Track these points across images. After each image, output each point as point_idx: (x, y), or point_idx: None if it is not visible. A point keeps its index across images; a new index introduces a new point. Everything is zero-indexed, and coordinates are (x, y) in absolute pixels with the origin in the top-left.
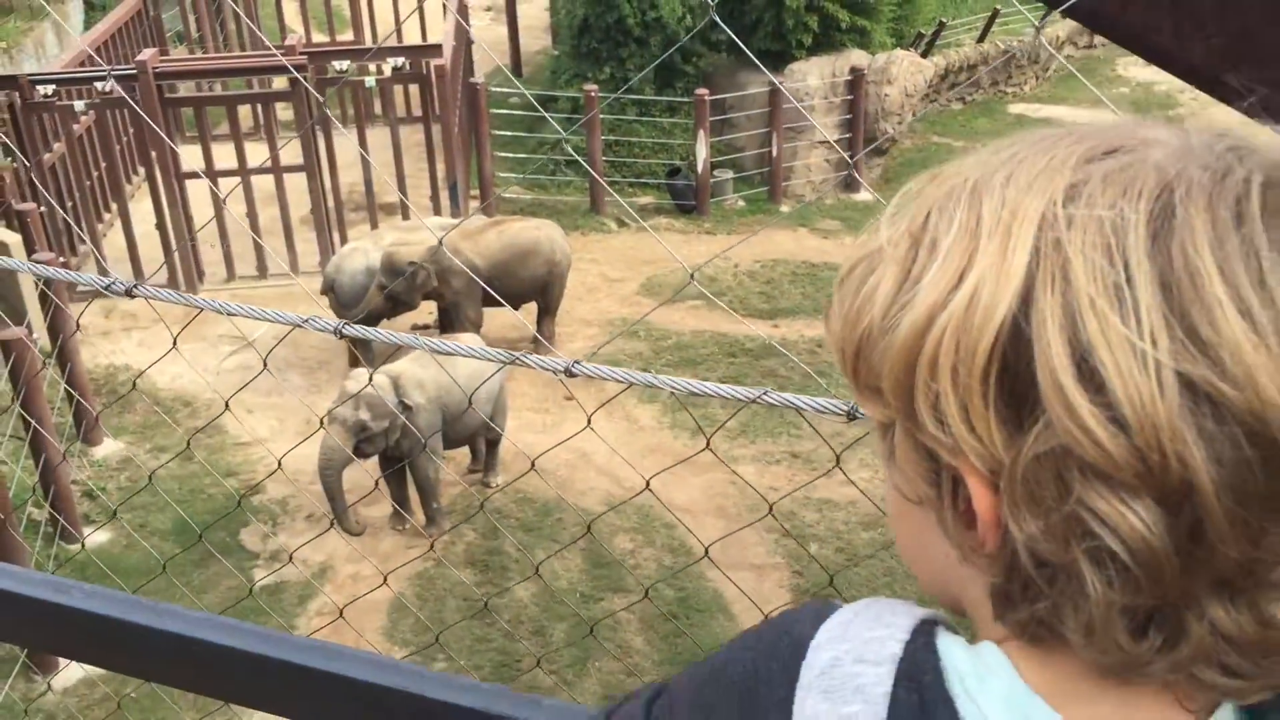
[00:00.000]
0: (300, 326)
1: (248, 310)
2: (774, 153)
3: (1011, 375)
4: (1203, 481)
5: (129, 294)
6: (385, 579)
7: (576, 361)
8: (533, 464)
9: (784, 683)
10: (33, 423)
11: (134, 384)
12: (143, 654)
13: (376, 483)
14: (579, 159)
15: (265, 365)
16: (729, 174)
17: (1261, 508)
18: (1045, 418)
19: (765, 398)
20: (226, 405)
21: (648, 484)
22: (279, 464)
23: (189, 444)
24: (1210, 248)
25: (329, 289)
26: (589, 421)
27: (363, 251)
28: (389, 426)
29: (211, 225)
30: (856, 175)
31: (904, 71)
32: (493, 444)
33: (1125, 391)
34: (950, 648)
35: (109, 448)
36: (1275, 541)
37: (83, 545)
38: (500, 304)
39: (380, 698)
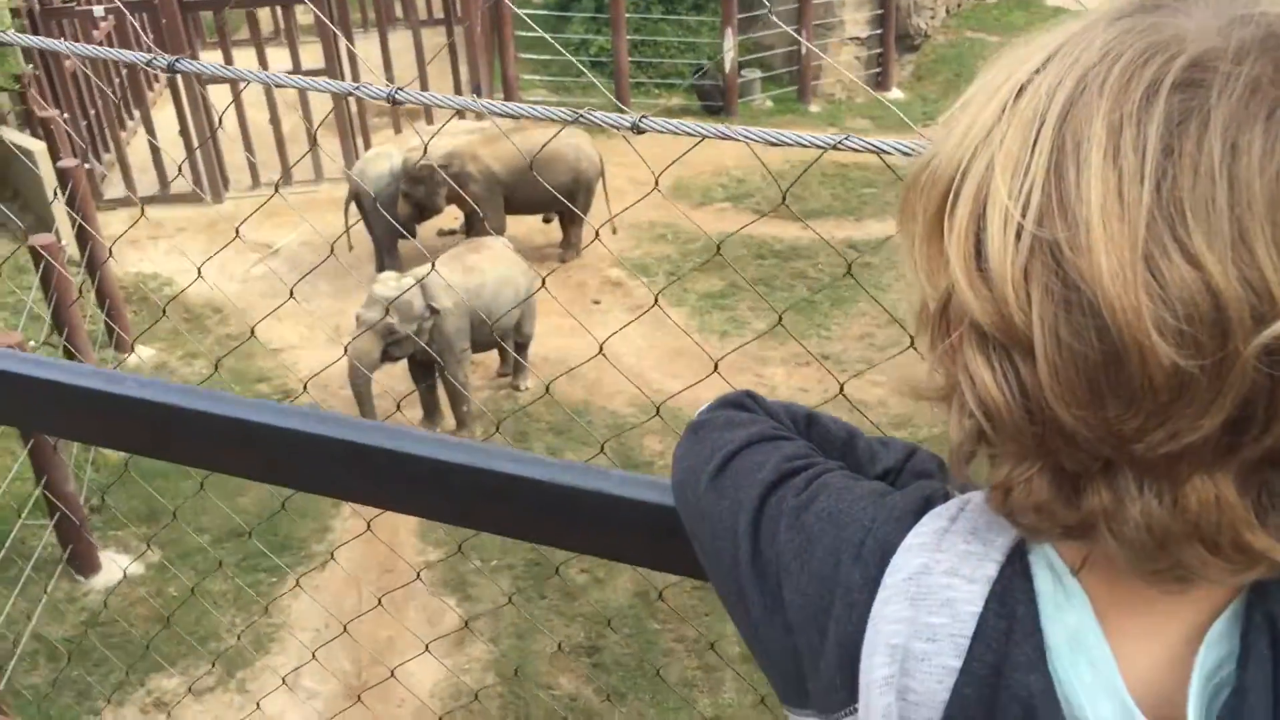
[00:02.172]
0: (352, 94)
1: (298, 82)
2: (803, 51)
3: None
4: (1039, 335)
5: (170, 69)
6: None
7: (644, 116)
8: (552, 379)
9: (864, 586)
10: (65, 328)
11: (195, 281)
12: (202, 441)
13: (412, 388)
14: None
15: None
16: (757, 73)
17: (1094, 375)
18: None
19: (847, 143)
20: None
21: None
22: (303, 387)
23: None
24: (1107, 116)
25: (354, 196)
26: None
27: (385, 156)
28: (417, 330)
29: (235, 131)
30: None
31: None
32: (521, 348)
33: (992, 248)
34: (1041, 572)
35: (141, 355)
36: (1131, 424)
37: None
38: (523, 211)
39: (444, 473)
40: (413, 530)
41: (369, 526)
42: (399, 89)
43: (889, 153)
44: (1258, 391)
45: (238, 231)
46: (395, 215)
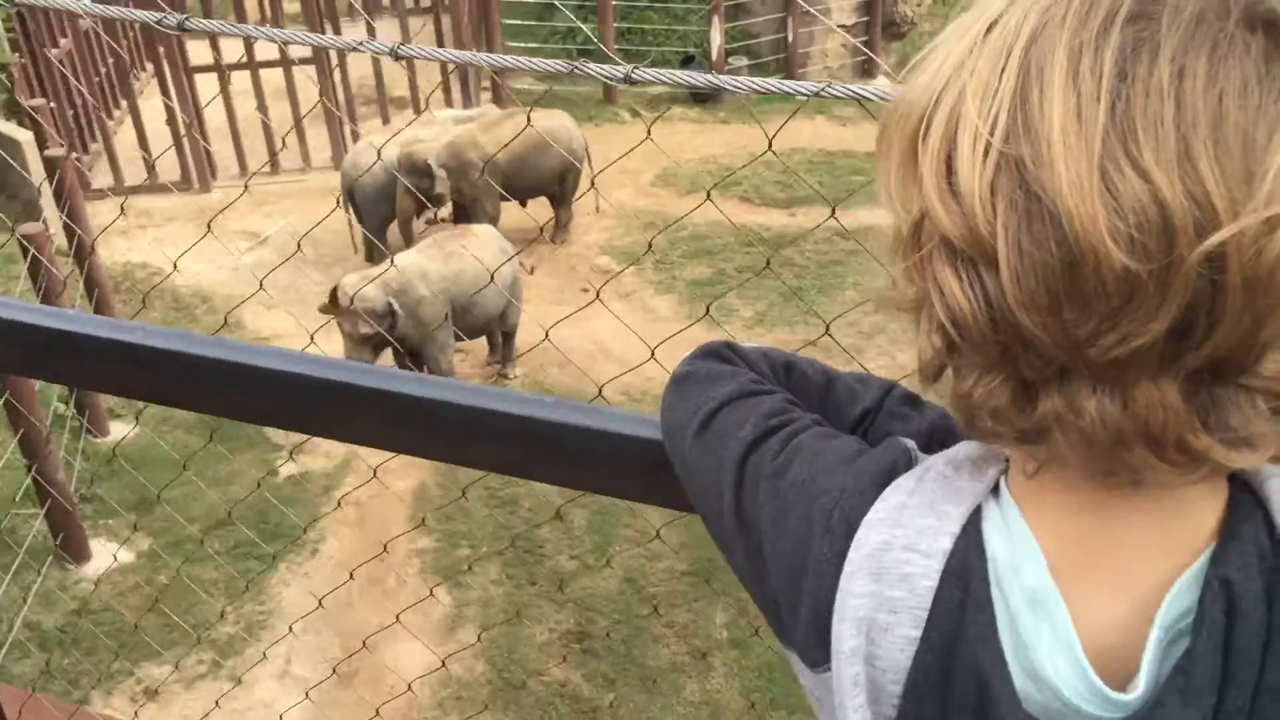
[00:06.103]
0: (357, 49)
1: (307, 38)
2: (789, 39)
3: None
4: (1003, 245)
5: (181, 28)
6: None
7: (636, 67)
8: (546, 334)
9: (831, 559)
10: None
11: (174, 265)
12: (201, 385)
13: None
14: (592, 43)
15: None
16: (744, 61)
17: (1053, 281)
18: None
19: (830, 90)
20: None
21: (653, 353)
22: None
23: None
24: (1067, 44)
25: (349, 193)
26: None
27: (375, 148)
28: (390, 326)
29: (222, 122)
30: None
31: None
32: (508, 335)
33: (961, 166)
34: (996, 539)
35: None
36: (1085, 328)
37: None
38: (518, 197)
39: (431, 411)
40: (404, 518)
41: (379, 472)
42: (400, 44)
43: (870, 99)
44: (1200, 298)
45: (209, 226)
46: (395, 210)
